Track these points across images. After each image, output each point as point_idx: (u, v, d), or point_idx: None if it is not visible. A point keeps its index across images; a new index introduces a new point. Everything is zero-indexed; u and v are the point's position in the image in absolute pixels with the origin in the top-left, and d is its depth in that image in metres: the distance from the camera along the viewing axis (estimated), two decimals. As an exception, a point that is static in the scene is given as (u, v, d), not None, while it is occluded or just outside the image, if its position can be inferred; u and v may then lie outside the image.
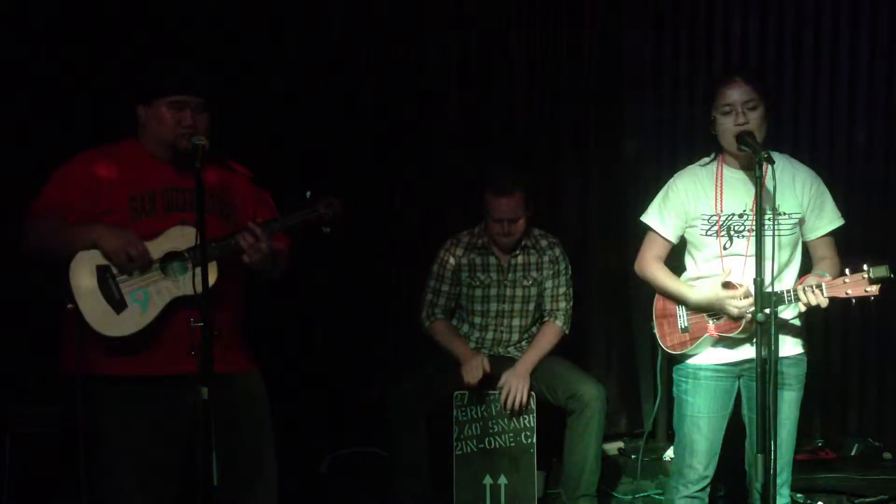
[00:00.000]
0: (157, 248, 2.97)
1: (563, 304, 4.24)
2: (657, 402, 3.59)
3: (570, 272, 4.28)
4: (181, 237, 2.96)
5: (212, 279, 2.90)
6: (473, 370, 4.02)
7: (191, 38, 4.47)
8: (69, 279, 2.93)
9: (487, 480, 4.01)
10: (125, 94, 3.17)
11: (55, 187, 3.04)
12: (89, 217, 2.98)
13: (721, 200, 3.24)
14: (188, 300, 2.91)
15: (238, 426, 3.10)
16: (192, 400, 2.78)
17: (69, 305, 2.93)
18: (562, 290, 4.25)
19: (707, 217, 3.26)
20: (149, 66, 3.13)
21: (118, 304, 2.94)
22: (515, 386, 4.01)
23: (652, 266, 3.38)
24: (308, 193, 3.07)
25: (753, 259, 3.12)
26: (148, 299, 2.96)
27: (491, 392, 4.07)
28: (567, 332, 4.23)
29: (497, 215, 4.13)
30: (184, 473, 3.07)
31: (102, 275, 2.94)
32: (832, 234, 3.29)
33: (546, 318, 4.23)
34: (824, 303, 3.02)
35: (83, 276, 2.93)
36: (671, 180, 3.38)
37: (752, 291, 2.98)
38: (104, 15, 4.41)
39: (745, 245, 3.20)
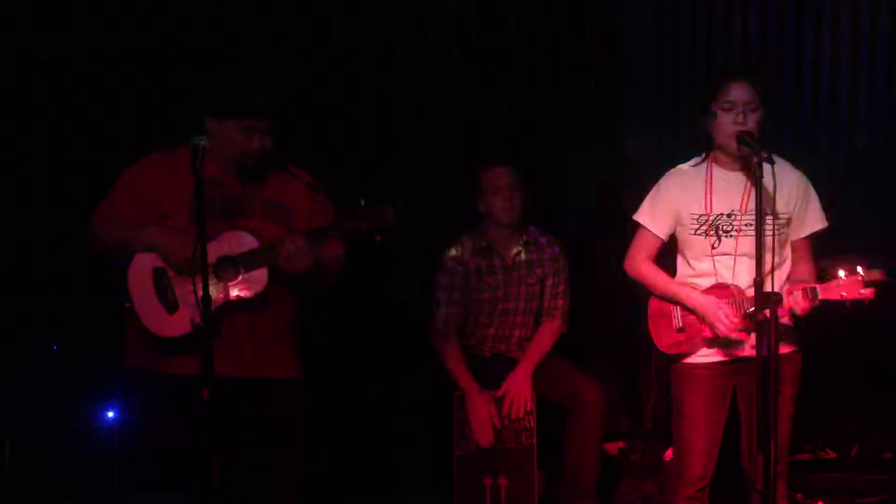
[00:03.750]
0: (211, 252, 2.98)
1: (562, 302, 4.23)
2: (652, 402, 3.59)
3: (568, 270, 4.28)
4: (235, 242, 3.02)
5: (261, 285, 3.00)
6: (485, 432, 3.99)
7: (191, 39, 4.49)
8: (127, 279, 3.02)
9: (488, 480, 4.02)
10: (192, 102, 3.21)
11: (120, 190, 3.13)
12: (150, 219, 3.05)
13: (711, 200, 3.25)
14: (239, 304, 3.00)
15: (273, 433, 3.13)
16: (233, 402, 2.86)
17: (126, 304, 3.02)
18: (561, 287, 4.24)
19: (696, 217, 3.27)
20: (223, 84, 3.18)
21: (171, 306, 3.01)
22: (518, 393, 4.00)
23: (643, 265, 3.39)
24: (362, 201, 3.08)
25: (743, 258, 3.19)
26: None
27: (491, 393, 4.06)
28: (566, 329, 4.23)
29: (496, 182, 4.14)
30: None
31: (158, 277, 3.02)
32: (812, 236, 3.30)
33: (544, 318, 4.23)
34: (814, 303, 3.04)
35: (140, 276, 3.02)
36: (661, 179, 3.39)
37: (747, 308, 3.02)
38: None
39: (734, 245, 3.22)
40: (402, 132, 5.00)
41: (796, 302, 3.04)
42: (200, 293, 2.73)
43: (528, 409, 4.01)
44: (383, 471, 4.29)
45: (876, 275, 2.98)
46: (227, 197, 3.09)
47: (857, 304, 3.01)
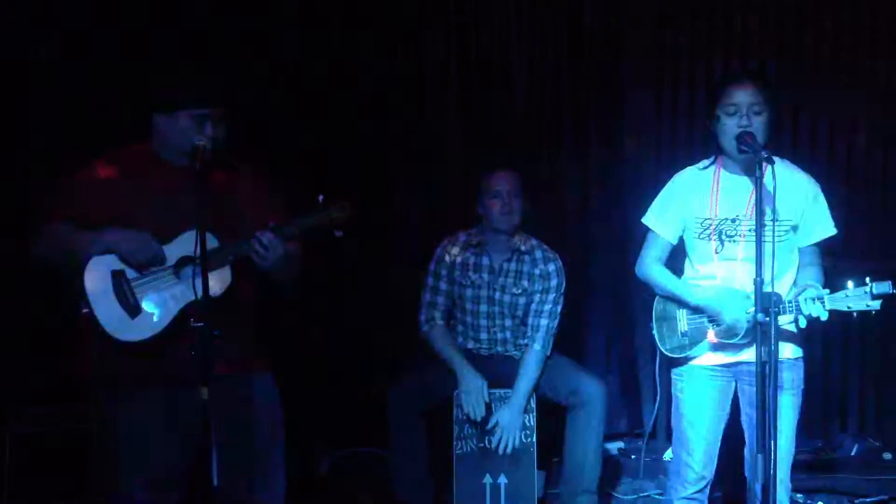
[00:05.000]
0: (170, 252, 2.97)
1: (544, 322, 4.12)
2: (657, 404, 3.59)
3: (561, 290, 4.16)
4: (194, 242, 2.93)
5: (226, 283, 2.94)
6: (476, 406, 3.99)
7: (192, 39, 4.48)
8: (84, 284, 2.94)
9: (487, 480, 4.02)
10: (136, 98, 3.16)
11: (66, 192, 3.05)
12: (101, 222, 2.97)
13: (716, 204, 3.24)
14: (203, 304, 2.91)
15: (246, 429, 3.09)
16: (204, 403, 2.77)
17: (84, 311, 2.94)
18: (546, 307, 4.13)
19: (701, 220, 3.26)
20: (170, 77, 3.10)
21: (133, 309, 2.95)
22: (508, 428, 3.99)
23: (651, 267, 3.38)
24: (320, 197, 3.05)
25: (745, 263, 3.16)
26: (163, 304, 2.96)
27: (491, 391, 4.05)
28: (548, 353, 4.12)
29: (496, 187, 4.10)
30: (195, 477, 3.07)
31: (117, 280, 2.95)
32: (820, 243, 3.29)
33: (528, 341, 4.14)
34: (824, 315, 3.03)
35: (98, 281, 2.94)
36: (670, 181, 3.38)
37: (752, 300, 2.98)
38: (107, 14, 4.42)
39: (737, 250, 3.21)
40: (402, 132, 5.00)
41: (815, 308, 3.03)
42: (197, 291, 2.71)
43: (517, 444, 3.99)
44: (382, 470, 4.28)
45: (884, 287, 2.97)
46: (181, 195, 2.95)
47: (864, 314, 3.01)
